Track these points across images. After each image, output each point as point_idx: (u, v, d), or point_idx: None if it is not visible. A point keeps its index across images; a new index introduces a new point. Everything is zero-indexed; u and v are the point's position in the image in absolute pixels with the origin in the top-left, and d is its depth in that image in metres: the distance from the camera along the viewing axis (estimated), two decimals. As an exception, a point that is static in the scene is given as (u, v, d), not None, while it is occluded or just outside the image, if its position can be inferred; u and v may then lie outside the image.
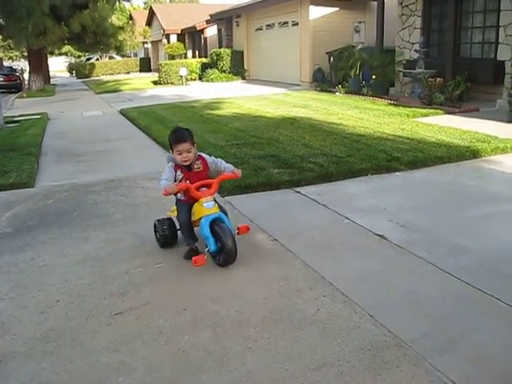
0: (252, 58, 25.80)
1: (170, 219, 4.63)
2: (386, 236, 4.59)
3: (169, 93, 20.24)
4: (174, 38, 38.20)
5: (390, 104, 13.04)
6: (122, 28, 29.76)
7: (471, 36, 13.87)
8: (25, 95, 24.70)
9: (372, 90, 14.89)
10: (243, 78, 25.60)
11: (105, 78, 39.04)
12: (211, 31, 32.84)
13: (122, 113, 14.64)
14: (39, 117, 14.68)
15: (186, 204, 4.29)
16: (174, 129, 4.57)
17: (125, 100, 18.59)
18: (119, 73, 43.58)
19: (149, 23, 43.85)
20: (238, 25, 27.19)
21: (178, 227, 4.54)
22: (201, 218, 4.11)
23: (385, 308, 3.38)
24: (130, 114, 13.73)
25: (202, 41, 34.45)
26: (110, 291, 3.89)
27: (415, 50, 14.40)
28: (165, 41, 38.72)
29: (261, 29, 24.89)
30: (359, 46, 18.17)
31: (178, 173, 4.27)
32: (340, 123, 10.10)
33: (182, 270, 4.16)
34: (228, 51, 26.19)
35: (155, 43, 44.50)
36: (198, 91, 20.19)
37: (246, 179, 6.16)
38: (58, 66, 63.42)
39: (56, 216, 5.76)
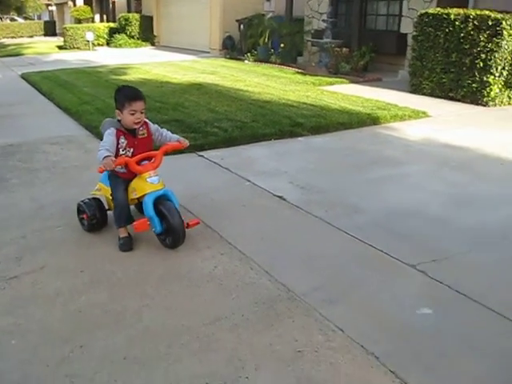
0: (162, 24, 25.26)
1: (96, 199, 4.12)
2: (285, 197, 4.71)
3: (74, 58, 19.50)
4: (80, 1, 36.64)
5: (298, 72, 13.21)
6: (23, -12, 28.27)
7: (377, 8, 14.21)
8: None
9: (280, 59, 15.01)
10: (152, 45, 25.04)
11: (6, 41, 36.92)
12: (120, -5, 31.81)
13: (24, 77, 13.98)
14: None
15: (123, 179, 3.82)
16: (123, 86, 4.05)
17: (27, 64, 17.73)
18: (21, 36, 41.36)
19: (53, -16, 41.92)
20: (147, -11, 26.48)
21: (106, 207, 4.12)
22: (143, 196, 3.69)
23: (280, 264, 3.49)
24: (32, 79, 13.14)
25: (110, 5, 33.20)
26: (5, 256, 3.78)
27: (323, 20, 14.57)
28: (70, 3, 37.10)
29: (171, -6, 24.40)
30: (269, 15, 18.17)
31: (122, 140, 3.75)
32: (246, 90, 10.14)
33: (79, 232, 4.10)
34: (137, 16, 25.46)
35: (60, 6, 42.55)
36: (105, 56, 19.59)
37: (150, 144, 6.09)
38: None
39: None
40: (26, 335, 2.84)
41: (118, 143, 3.74)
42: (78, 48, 24.14)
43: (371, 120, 7.68)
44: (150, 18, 25.50)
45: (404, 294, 3.15)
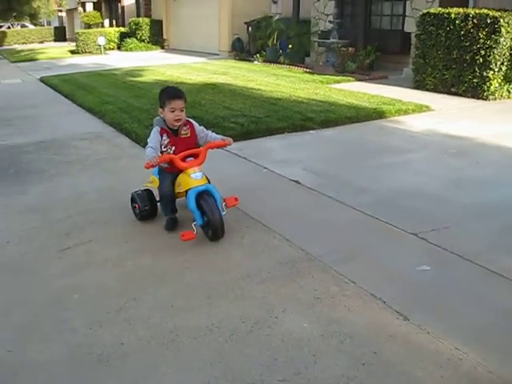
0: (171, 27, 25.84)
1: (148, 191, 4.39)
2: (301, 181, 5.23)
3: (88, 61, 20.09)
4: (90, 7, 37.26)
5: (306, 72, 13.72)
6: (35, -5, 28.92)
7: (381, 9, 14.68)
8: None
9: (289, 59, 15.53)
10: (162, 48, 25.63)
11: (18, 47, 37.61)
12: (129, 0, 32.40)
13: (43, 80, 14.57)
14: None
15: (171, 174, 4.09)
16: (166, 86, 4.37)
17: (43, 68, 18.33)
18: (32, 42, 42.06)
19: (63, -9, 42.56)
20: (156, -7, 27.06)
21: (157, 199, 4.34)
22: (187, 190, 3.92)
23: (299, 234, 4.00)
24: (52, 82, 13.73)
25: (120, 9, 33.88)
26: (56, 232, 4.31)
27: (329, 21, 15.08)
28: (80, 9, 37.75)
29: (179, -2, 24.96)
30: (276, 17, 18.66)
31: (164, 137, 4.05)
32: (258, 88, 10.67)
33: (119, 213, 4.63)
34: (147, 20, 26.07)
35: (70, 12, 43.22)
36: (118, 60, 20.17)
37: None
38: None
39: (-9, 174, 6.02)
40: (86, 291, 3.36)
41: (161, 140, 4.05)
42: (89, 52, 24.73)
43: (377, 114, 8.17)
44: (160, 22, 26.08)
45: (406, 255, 3.66)
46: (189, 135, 4.14)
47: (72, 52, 25.69)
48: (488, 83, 9.41)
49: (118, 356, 2.69)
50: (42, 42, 41.58)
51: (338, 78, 12.33)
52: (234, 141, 6.65)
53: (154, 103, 9.09)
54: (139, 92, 10.91)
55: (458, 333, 2.75)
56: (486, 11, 9.43)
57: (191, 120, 4.22)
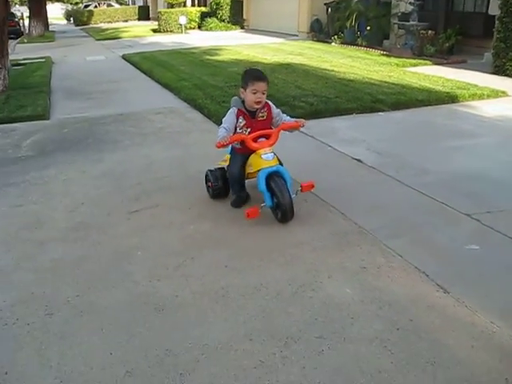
0: (251, 7, 26.02)
1: (222, 169, 4.39)
2: (363, 160, 5.33)
3: (169, 40, 20.65)
4: (173, -14, 38.01)
5: (383, 54, 13.59)
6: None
7: (465, -10, 14.30)
8: (25, 40, 25.01)
9: (366, 41, 15.39)
10: (242, 28, 25.89)
11: (103, 25, 39.01)
12: (211, -20, 32.82)
13: (124, 58, 15.16)
14: (44, 60, 15.17)
15: (242, 154, 4.09)
16: (250, 68, 4.41)
17: (125, 46, 19.02)
18: (117, 21, 43.42)
19: (148, -30, 43.53)
20: (238, -26, 27.30)
21: None
22: (258, 171, 3.91)
23: (354, 209, 4.13)
24: (132, 59, 14.27)
25: (202, -11, 34.43)
26: (127, 197, 4.63)
27: (410, 3, 14.82)
28: (164, -12, 38.55)
29: (261, -22, 25.08)
30: (357, -2, 18.51)
31: (240, 119, 4.03)
32: (332, 69, 10.71)
33: (185, 181, 4.91)
34: (228, 0, 26.38)
35: (154, -9, 44.26)
36: (198, 39, 20.61)
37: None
38: (54, 12, 62.79)
39: (72, 143, 6.46)
40: (149, 249, 3.64)
41: (236, 122, 4.02)
42: (171, 31, 25.36)
43: (449, 98, 8.07)
44: (240, 2, 26.31)
45: (457, 234, 3.72)
46: (265, 118, 4.09)
47: (154, 31, 26.43)
48: None
49: (172, 306, 2.95)
50: (126, 21, 42.84)
51: (415, 61, 12.16)
52: (303, 119, 6.92)
53: (229, 81, 9.41)
54: (215, 70, 11.20)
55: (496, 308, 2.83)
56: None
57: (269, 102, 4.15)
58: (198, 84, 9.42)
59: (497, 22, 10.71)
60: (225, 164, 4.37)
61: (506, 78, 10.07)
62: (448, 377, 2.34)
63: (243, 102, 4.05)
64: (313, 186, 4.14)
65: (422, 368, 2.40)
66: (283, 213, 3.82)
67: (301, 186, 4.06)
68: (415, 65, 11.75)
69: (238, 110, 4.04)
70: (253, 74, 4.08)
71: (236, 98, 4.18)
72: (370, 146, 5.80)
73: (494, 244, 3.58)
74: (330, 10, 18.70)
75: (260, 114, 4.05)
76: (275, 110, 4.17)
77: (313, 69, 10.90)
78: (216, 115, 7.07)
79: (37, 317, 2.91)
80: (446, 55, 12.87)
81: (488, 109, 7.59)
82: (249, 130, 4.03)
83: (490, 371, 2.37)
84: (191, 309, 2.92)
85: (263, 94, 3.96)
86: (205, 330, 2.73)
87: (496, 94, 8.51)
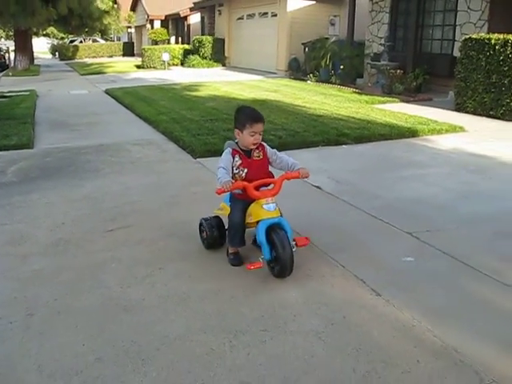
0: (232, 46, 26.91)
1: (217, 218, 4.21)
2: (322, 187, 5.83)
3: (151, 76, 21.29)
4: (157, 24, 39.02)
5: (355, 92, 14.30)
6: (107, 12, 30.73)
7: (432, 33, 15.13)
8: (10, 74, 25.55)
9: (340, 79, 16.15)
10: (223, 65, 26.70)
11: (88, 60, 39.78)
12: (194, 18, 33.83)
13: (107, 92, 15.71)
14: (28, 93, 15.66)
15: (243, 201, 3.85)
16: (243, 106, 4.13)
17: (109, 81, 19.60)
18: (102, 56, 44.33)
19: (133, 8, 44.55)
20: (220, 13, 28.25)
21: (226, 227, 4.12)
22: (258, 222, 3.72)
23: (309, 228, 4.57)
24: (115, 93, 14.82)
25: (186, 28, 35.42)
26: (104, 218, 5.06)
27: (381, 44, 15.64)
28: (149, 26, 39.56)
29: (242, 18, 26.00)
30: (333, 39, 19.34)
31: (236, 158, 3.85)
32: (304, 106, 11.33)
33: (159, 204, 5.36)
34: (210, 38, 27.27)
35: (139, 28, 45.27)
36: (180, 75, 21.27)
37: (215, 146, 7.32)
38: (40, 47, 63.67)
39: (55, 170, 6.89)
40: (121, 261, 4.07)
41: (233, 161, 3.85)
42: (154, 67, 26.09)
43: (410, 133, 8.67)
44: (222, 41, 27.21)
45: (397, 248, 4.21)
46: (261, 157, 3.92)
47: (138, 67, 27.14)
48: (525, 108, 9.76)
49: (140, 307, 3.38)
50: (111, 57, 43.72)
51: (384, 98, 12.85)
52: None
53: (205, 115, 9.97)
54: (193, 105, 11.77)
55: (419, 308, 3.30)
56: (525, 38, 9.81)
57: (263, 143, 3.98)
58: (176, 118, 9.94)
59: (457, 63, 11.42)
60: (221, 213, 4.18)
61: (466, 114, 10.76)
62: (369, 359, 2.79)
63: (236, 143, 3.91)
64: (307, 240, 3.95)
65: (348, 353, 2.84)
66: (282, 267, 3.61)
67: (295, 241, 3.79)
68: (383, 102, 12.43)
69: (233, 149, 3.88)
70: (250, 114, 3.87)
71: (229, 141, 4.02)
72: (331, 175, 6.31)
73: (427, 257, 4.07)
74: (307, 49, 19.54)
75: (255, 154, 3.89)
76: (270, 151, 4.00)
77: (286, 105, 11.52)
78: (190, 146, 7.60)
79: (18, 317, 3.31)
80: (414, 93, 13.61)
81: (444, 142, 8.19)
82: (246, 170, 3.86)
83: (405, 355, 2.83)
84: (156, 309, 3.35)
85: (260, 134, 3.84)
86: (166, 326, 3.15)
87: (454, 128, 9.14)
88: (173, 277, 3.79)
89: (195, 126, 8.97)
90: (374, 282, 3.61)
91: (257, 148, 3.90)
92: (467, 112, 10.91)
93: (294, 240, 3.77)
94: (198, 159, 7.16)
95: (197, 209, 5.12)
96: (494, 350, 2.88)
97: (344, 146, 7.93)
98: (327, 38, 19.09)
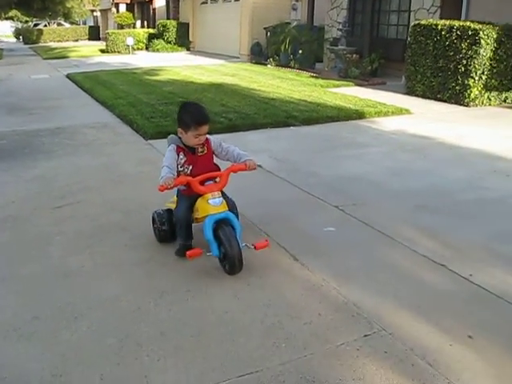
0: (197, 30, 27.02)
1: (169, 211, 4.10)
2: (263, 166, 6.16)
3: (115, 60, 21.34)
4: (123, 8, 38.77)
5: (312, 76, 14.65)
6: (70, -5, 30.48)
7: (388, 19, 15.53)
8: (-28, 58, 25.30)
9: (299, 64, 16.48)
10: (188, 50, 26.81)
11: (53, 44, 39.37)
12: (160, 2, 33.69)
13: (69, 77, 15.79)
14: (-12, 78, 15.66)
15: (188, 197, 3.79)
16: (189, 104, 4.04)
17: (72, 66, 19.62)
18: (67, 40, 43.87)
19: (98, -9, 44.20)
20: (184, -2, 28.32)
21: None
22: (204, 217, 3.64)
23: (244, 203, 4.86)
24: (76, 78, 14.93)
25: (151, 11, 35.29)
26: (53, 196, 5.34)
27: (339, 29, 15.98)
28: (114, 10, 39.31)
29: (206, 2, 26.11)
30: (294, 23, 19.59)
31: (181, 156, 3.78)
32: (259, 89, 11.65)
33: (111, 183, 5.65)
34: (174, 23, 27.33)
35: (104, 12, 44.90)
36: (143, 60, 21.38)
37: (167, 128, 7.61)
38: (4, 30, 62.62)
39: (9, 152, 7.11)
40: (66, 235, 4.37)
41: (178, 159, 3.78)
42: (118, 52, 26.05)
43: (357, 115, 9.07)
44: (187, 25, 27.29)
45: (321, 220, 4.59)
46: (205, 152, 3.86)
47: (102, 51, 27.05)
48: (469, 91, 10.23)
49: (78, 274, 3.70)
50: (76, 41, 43.30)
51: (339, 82, 13.22)
52: (221, 133, 7.75)
53: (160, 99, 10.24)
54: (150, 89, 12.00)
55: (331, 271, 3.67)
56: (468, 24, 10.26)
57: (207, 136, 3.85)
58: (133, 101, 10.18)
59: (407, 48, 11.83)
60: (172, 205, 4.09)
61: (415, 98, 11.21)
62: (276, 313, 3.15)
63: (180, 138, 3.82)
64: (267, 242, 3.80)
65: (258, 309, 3.20)
66: (231, 265, 3.55)
67: (253, 246, 3.73)
68: (338, 86, 12.81)
69: (177, 146, 3.79)
70: (195, 116, 3.71)
71: (172, 136, 3.94)
72: (273, 155, 6.66)
73: (348, 227, 4.46)
74: (268, 34, 19.77)
75: (200, 150, 3.82)
76: (214, 143, 3.92)
77: (241, 88, 11.83)
78: (143, 129, 7.86)
79: (-35, 284, 3.61)
80: (369, 77, 14.00)
81: (388, 124, 8.61)
82: (190, 167, 3.80)
83: (309, 309, 3.20)
84: (92, 275, 3.67)
85: (205, 135, 3.76)
86: (100, 289, 3.48)
87: (400, 111, 9.56)
88: (111, 247, 4.11)
89: (150, 110, 9.23)
90: (293, 249, 3.98)
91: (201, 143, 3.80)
92: (417, 95, 11.35)
93: (252, 244, 3.71)
94: (148, 141, 7.45)
95: (141, 187, 5.47)
96: (389, 306, 3.27)
97: (292, 127, 8.29)
98: (288, 23, 19.32)
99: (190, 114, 3.73)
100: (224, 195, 3.78)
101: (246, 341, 2.91)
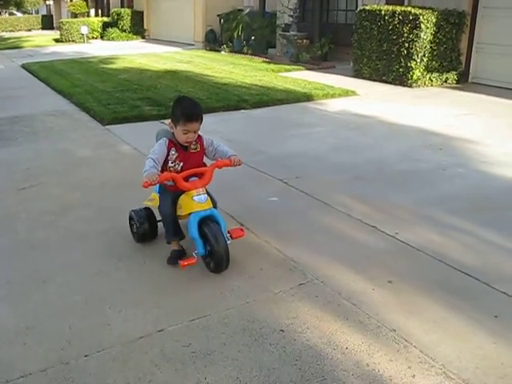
0: (151, 18, 27.08)
1: (148, 209, 4.01)
2: (215, 146, 6.60)
3: (70, 50, 21.34)
4: (76, -4, 38.36)
5: (264, 62, 15.07)
6: (21, -16, 30.08)
7: (337, 4, 16.04)
8: None
9: (252, 50, 16.88)
10: (143, 38, 26.87)
11: (5, 34, 38.66)
12: (113, -10, 33.53)
13: (24, 67, 15.83)
14: None
15: (173, 192, 3.66)
16: (183, 98, 3.82)
17: (26, 56, 19.57)
18: (20, 30, 43.11)
19: (50, -20, 43.55)
20: (138, -15, 28.28)
21: (158, 218, 3.94)
22: (189, 214, 3.56)
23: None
24: (31, 68, 15.01)
25: (105, 0, 35.03)
26: (17, 179, 5.67)
27: (289, 15, 16.41)
28: (67, -2, 38.87)
29: (159, -10, 26.21)
30: (247, 10, 19.93)
31: (173, 151, 3.61)
32: (212, 75, 12.04)
33: (71, 165, 6.00)
34: (128, 11, 27.31)
35: (57, 0, 44.29)
36: (98, 49, 21.43)
37: (123, 113, 7.98)
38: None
39: (-31, 141, 7.37)
40: (31, 213, 4.73)
41: (168, 154, 3.61)
42: (73, 41, 25.92)
43: (306, 97, 9.55)
44: (141, 13, 27.30)
45: (265, 192, 5.06)
46: (198, 149, 3.72)
47: (56, 40, 26.84)
48: (411, 72, 10.82)
49: (44, 245, 4.09)
50: (29, 30, 42.59)
51: (290, 67, 13.68)
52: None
53: (116, 86, 10.55)
54: (106, 77, 12.26)
55: (273, 234, 4.15)
56: (409, 9, 10.85)
57: (200, 133, 3.70)
58: (89, 89, 10.45)
59: (353, 32, 12.35)
60: (151, 204, 4.01)
61: (362, 80, 11.76)
62: (225, 273, 3.59)
63: (173, 133, 3.66)
64: (242, 231, 3.82)
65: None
66: (218, 261, 3.50)
67: (229, 233, 3.67)
68: (289, 70, 13.26)
69: (170, 140, 3.62)
70: (185, 111, 3.54)
71: (164, 128, 3.85)
72: (224, 136, 7.07)
73: (290, 197, 4.95)
74: (222, 20, 20.07)
75: (192, 147, 3.68)
76: (206, 142, 3.77)
77: (195, 75, 12.20)
78: (100, 115, 8.20)
79: None
80: (319, 61, 14.50)
81: (334, 105, 9.12)
82: (181, 164, 3.65)
83: (252, 265, 3.66)
84: (58, 246, 4.06)
85: (195, 133, 3.59)
86: (66, 257, 3.88)
87: (346, 93, 10.08)
88: (74, 221, 4.50)
89: (106, 97, 9.54)
90: (240, 217, 4.44)
91: (194, 140, 3.67)
92: (364, 78, 11.90)
93: (228, 232, 3.64)
94: (106, 126, 7.79)
95: (101, 168, 5.85)
96: (323, 260, 3.76)
97: (243, 110, 8.72)
98: (241, 10, 19.65)
99: (180, 108, 3.57)
100: (207, 192, 3.67)
101: (196, 291, 3.36)
